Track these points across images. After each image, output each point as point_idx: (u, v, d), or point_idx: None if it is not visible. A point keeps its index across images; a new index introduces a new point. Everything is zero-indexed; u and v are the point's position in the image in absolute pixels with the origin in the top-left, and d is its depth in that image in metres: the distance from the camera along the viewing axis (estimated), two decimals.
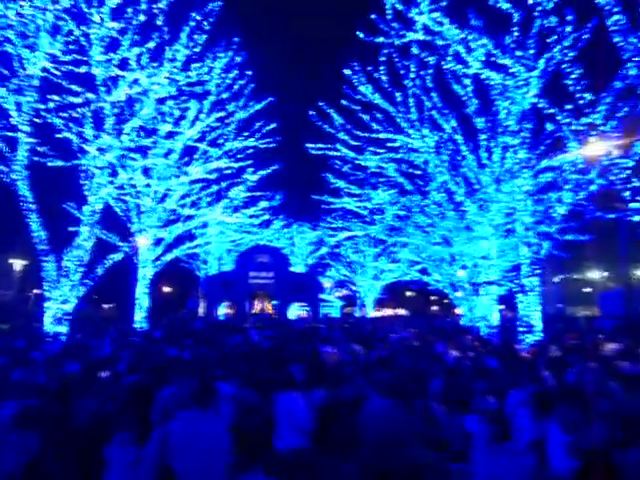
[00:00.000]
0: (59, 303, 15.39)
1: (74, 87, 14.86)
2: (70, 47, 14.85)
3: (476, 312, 23.95)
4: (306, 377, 5.79)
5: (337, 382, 5.78)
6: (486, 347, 11.03)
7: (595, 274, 55.92)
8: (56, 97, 14.76)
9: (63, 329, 15.37)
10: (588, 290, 59.07)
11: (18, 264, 25.55)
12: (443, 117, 21.19)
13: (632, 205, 9.03)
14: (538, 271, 16.02)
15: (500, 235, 20.00)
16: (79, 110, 15.34)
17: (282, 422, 5.02)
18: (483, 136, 19.63)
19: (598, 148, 10.57)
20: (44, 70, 15.22)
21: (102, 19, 14.75)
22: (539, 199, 16.25)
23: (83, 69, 15.15)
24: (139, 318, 23.12)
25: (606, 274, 53.79)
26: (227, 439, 4.15)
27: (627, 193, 9.20)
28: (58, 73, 14.70)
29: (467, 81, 19.25)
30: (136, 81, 16.06)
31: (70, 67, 14.84)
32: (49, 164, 16.93)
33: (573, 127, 11.21)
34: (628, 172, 9.60)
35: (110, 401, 5.21)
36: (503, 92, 16.44)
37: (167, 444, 4.03)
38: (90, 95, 14.98)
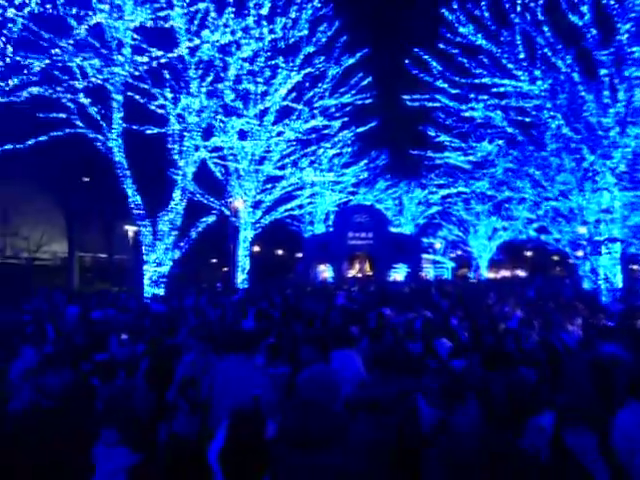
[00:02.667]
0: (155, 266, 15.88)
1: (155, 51, 14.79)
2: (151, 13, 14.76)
3: (599, 273, 21.61)
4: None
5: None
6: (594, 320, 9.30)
7: None
8: (143, 59, 14.73)
9: (160, 291, 15.89)
10: None
11: (131, 230, 27.12)
12: (557, 54, 18.75)
13: None
14: None
15: (625, 185, 17.57)
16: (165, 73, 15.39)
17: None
18: (605, 71, 17.10)
19: None
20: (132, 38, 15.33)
21: None
22: None
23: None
24: (240, 280, 23.57)
25: None
26: (262, 386, 4.22)
27: None
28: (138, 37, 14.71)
29: (584, 8, 16.77)
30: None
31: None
32: (147, 132, 17.40)
33: None
34: None
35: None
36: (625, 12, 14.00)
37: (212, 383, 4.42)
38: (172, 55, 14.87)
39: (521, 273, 65.59)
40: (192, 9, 14.72)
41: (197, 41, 15.00)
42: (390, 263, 32.15)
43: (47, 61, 12.28)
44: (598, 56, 17.36)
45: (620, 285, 18.42)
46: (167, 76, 16.01)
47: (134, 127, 16.36)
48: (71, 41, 13.09)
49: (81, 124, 15.35)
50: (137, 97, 15.66)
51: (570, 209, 23.12)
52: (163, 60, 14.71)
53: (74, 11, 12.82)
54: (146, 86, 15.73)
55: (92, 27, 14.74)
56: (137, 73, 14.95)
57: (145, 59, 14.35)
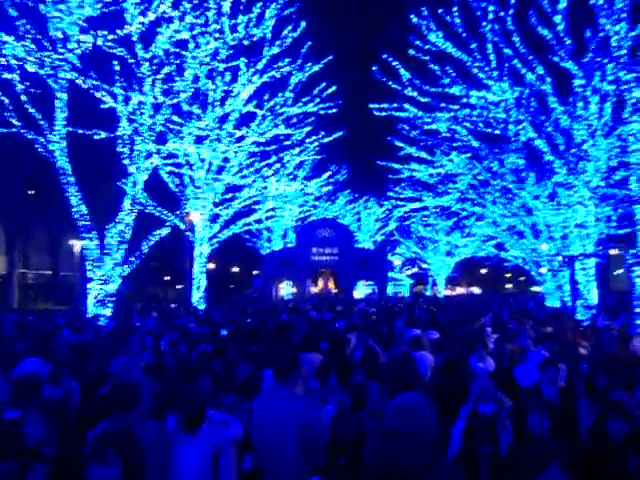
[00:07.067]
0: (101, 283, 14.15)
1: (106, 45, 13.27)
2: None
3: (566, 289, 21.12)
4: None
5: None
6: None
7: None
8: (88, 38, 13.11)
9: (107, 311, 14.15)
10: None
11: (78, 245, 24.99)
12: (527, 65, 18.26)
13: None
14: None
15: (598, 199, 17.12)
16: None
17: None
18: (578, 82, 16.69)
19: None
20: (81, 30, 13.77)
21: None
22: None
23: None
24: (196, 298, 21.92)
25: None
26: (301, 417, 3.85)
27: None
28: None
29: (558, 18, 16.38)
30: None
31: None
32: (95, 137, 15.74)
33: None
34: None
35: None
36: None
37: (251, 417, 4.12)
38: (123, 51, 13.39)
39: (476, 290, 65.96)
40: None
41: (151, 16, 13.44)
42: (355, 280, 31.07)
43: None
44: (570, 68, 16.99)
45: (595, 302, 17.84)
46: (117, 68, 14.36)
47: (79, 131, 14.67)
48: None
49: (17, 123, 13.58)
50: (84, 85, 13.90)
51: (533, 225, 22.66)
52: (111, 43, 13.14)
53: None
54: (95, 82, 14.08)
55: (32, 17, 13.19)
56: (79, 59, 13.24)
57: (90, 38, 12.75)
